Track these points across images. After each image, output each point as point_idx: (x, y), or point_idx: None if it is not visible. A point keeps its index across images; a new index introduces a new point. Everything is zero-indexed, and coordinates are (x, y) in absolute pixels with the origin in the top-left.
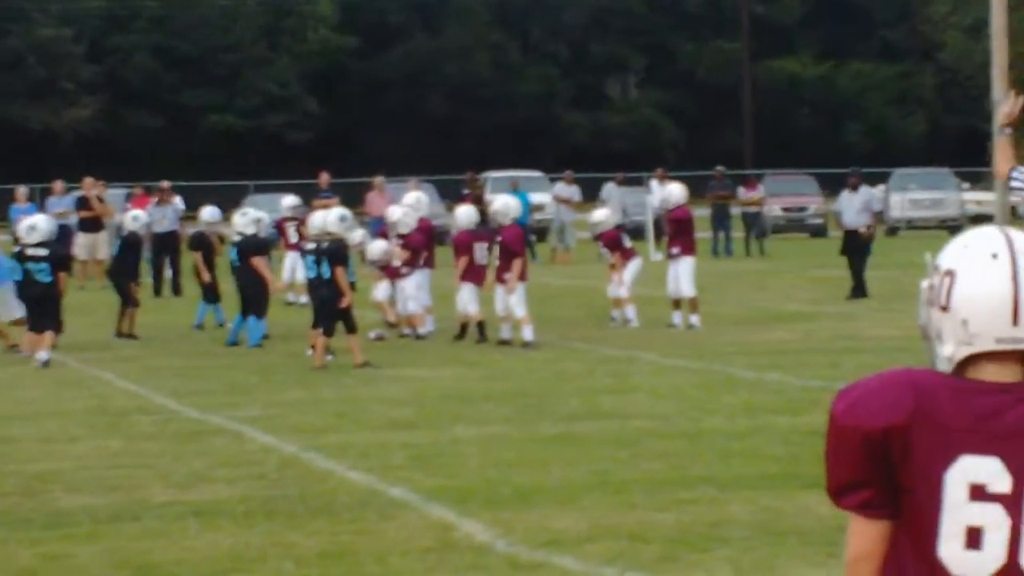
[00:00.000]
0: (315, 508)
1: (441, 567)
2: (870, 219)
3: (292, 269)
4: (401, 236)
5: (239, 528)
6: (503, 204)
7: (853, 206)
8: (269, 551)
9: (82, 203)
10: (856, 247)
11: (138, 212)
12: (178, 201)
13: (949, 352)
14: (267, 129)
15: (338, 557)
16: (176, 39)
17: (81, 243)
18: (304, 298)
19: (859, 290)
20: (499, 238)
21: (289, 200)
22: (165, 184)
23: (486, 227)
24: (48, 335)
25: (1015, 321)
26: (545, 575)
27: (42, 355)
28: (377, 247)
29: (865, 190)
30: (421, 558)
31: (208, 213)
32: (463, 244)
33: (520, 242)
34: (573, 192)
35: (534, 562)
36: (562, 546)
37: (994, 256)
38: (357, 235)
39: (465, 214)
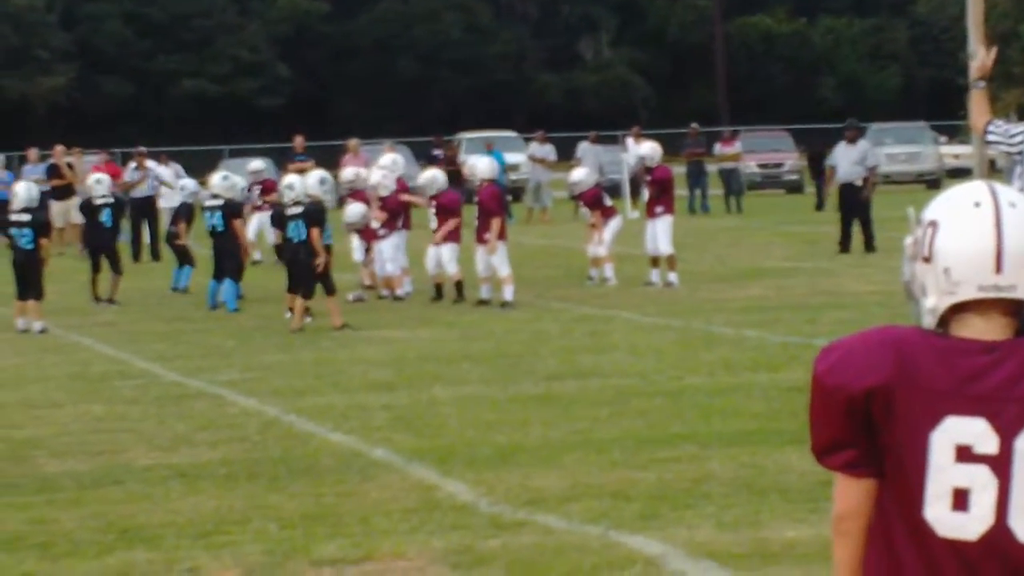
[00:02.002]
0: (297, 470)
1: (424, 527)
2: (866, 173)
3: (257, 232)
4: (381, 199)
5: (222, 490)
6: (470, 166)
7: (849, 159)
8: (252, 513)
9: (53, 171)
10: (851, 201)
11: (101, 176)
12: (162, 168)
13: (932, 304)
14: (239, 94)
15: (321, 518)
16: (147, 6)
17: (55, 211)
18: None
19: (845, 244)
20: (476, 199)
21: (255, 164)
22: (142, 150)
23: (462, 188)
24: (32, 303)
25: (998, 268)
26: (528, 534)
27: (36, 324)
28: (355, 210)
29: (863, 144)
30: (404, 518)
31: (192, 184)
32: (453, 204)
33: (496, 201)
34: (548, 151)
35: (517, 521)
36: (545, 505)
37: (977, 204)
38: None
39: (434, 176)
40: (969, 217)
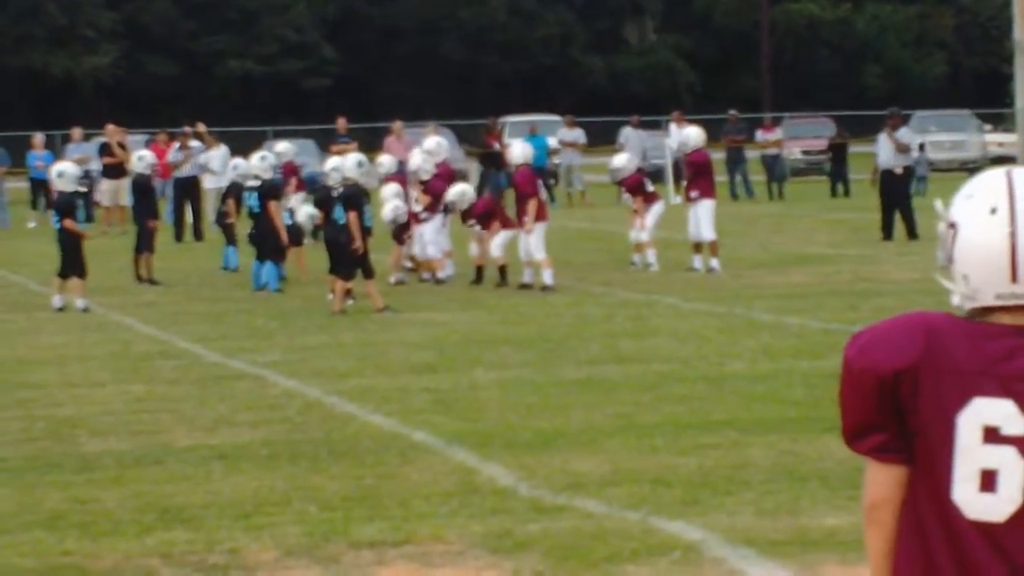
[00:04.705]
0: (338, 452)
1: (464, 510)
2: (907, 160)
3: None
4: (422, 182)
5: (263, 472)
6: (510, 151)
7: (890, 146)
8: (292, 494)
9: (104, 149)
10: (892, 188)
11: (144, 153)
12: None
13: (956, 303)
14: (284, 75)
15: (361, 500)
16: None
17: (104, 189)
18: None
19: (887, 231)
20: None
21: (280, 146)
22: (188, 130)
23: (505, 172)
24: (74, 281)
25: (1013, 278)
26: (568, 518)
27: (79, 303)
28: (386, 211)
29: (904, 131)
30: (444, 501)
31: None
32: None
33: (529, 183)
34: (577, 135)
35: (557, 505)
36: (585, 490)
37: (993, 211)
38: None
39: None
40: (984, 225)
